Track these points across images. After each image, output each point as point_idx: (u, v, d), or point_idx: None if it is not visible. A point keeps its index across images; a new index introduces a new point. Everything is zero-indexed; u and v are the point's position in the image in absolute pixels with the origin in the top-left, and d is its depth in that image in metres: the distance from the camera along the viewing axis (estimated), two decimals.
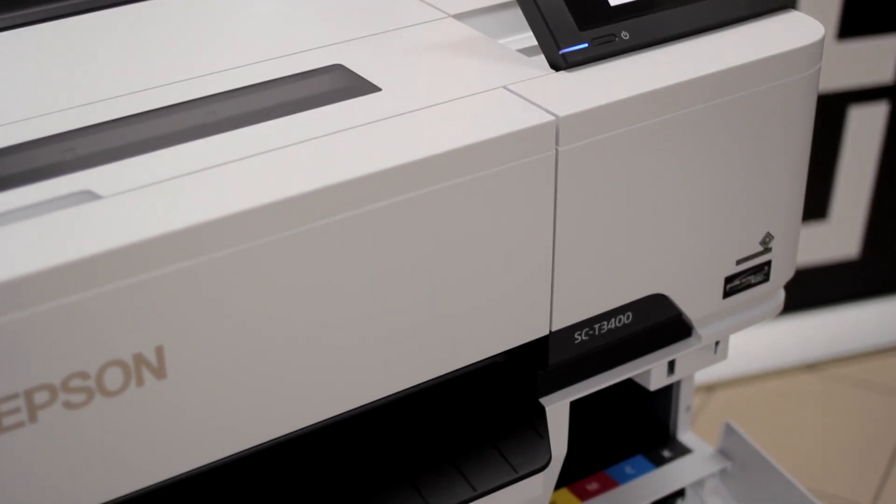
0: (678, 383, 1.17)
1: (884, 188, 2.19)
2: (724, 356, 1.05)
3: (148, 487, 0.76)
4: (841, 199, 2.19)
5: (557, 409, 0.94)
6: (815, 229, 2.20)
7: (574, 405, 0.96)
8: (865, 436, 2.07)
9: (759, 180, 0.95)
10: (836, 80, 2.07)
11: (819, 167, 2.16)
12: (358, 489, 0.86)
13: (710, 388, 2.16)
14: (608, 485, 1.15)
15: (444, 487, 0.87)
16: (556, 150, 0.83)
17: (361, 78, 0.87)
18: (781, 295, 1.05)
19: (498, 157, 0.81)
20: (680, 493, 1.17)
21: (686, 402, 1.18)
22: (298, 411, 0.81)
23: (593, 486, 1.15)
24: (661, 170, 0.89)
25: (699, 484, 1.18)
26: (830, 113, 2.11)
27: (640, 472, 1.16)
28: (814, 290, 2.27)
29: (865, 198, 2.20)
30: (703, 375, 2.17)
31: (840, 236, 2.23)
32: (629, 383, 1.03)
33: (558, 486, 1.14)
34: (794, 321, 2.26)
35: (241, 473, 0.82)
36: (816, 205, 2.19)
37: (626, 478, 1.15)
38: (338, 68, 0.89)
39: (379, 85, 0.86)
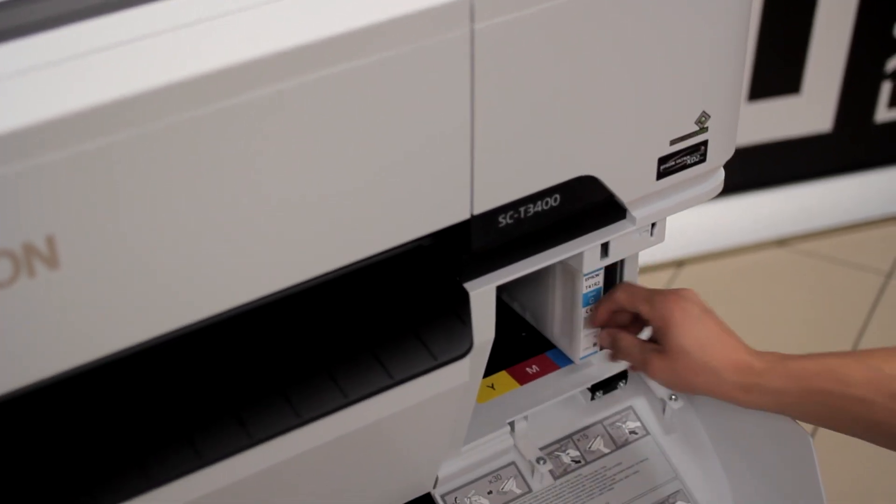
0: (621, 266, 1.14)
1: (858, 60, 2.15)
2: (662, 238, 1.02)
3: (44, 381, 0.75)
4: (814, 72, 2.15)
5: (482, 295, 0.92)
6: (788, 103, 2.17)
7: None
8: (835, 311, 2.06)
9: (694, 57, 0.92)
10: None
11: (791, 39, 2.12)
12: (272, 379, 0.84)
13: (679, 264, 2.14)
14: (548, 367, 1.13)
15: (361, 375, 0.86)
16: (472, 27, 0.80)
17: None
18: (720, 175, 1.02)
19: (409, 36, 0.78)
20: (622, 375, 1.15)
21: None
22: (206, 298, 0.79)
23: (533, 369, 1.13)
24: (586, 47, 0.85)
25: None
26: None
27: None
28: (787, 164, 2.24)
29: (839, 70, 2.16)
30: (673, 251, 2.16)
31: (813, 110, 2.20)
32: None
33: (497, 368, 1.13)
34: (765, 196, 2.24)
35: (146, 365, 0.80)
36: (789, 78, 2.15)
37: (567, 361, 1.14)
38: None
39: None
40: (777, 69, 2.13)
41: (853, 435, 0.95)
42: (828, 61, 2.14)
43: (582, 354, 1.11)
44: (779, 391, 0.95)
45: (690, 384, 0.99)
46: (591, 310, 1.07)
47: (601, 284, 1.06)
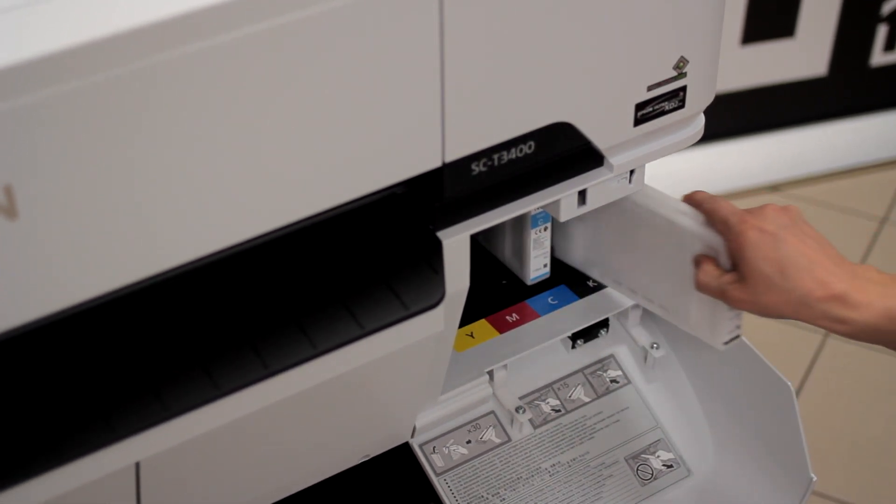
0: None
1: (853, 3, 2.13)
2: (640, 185, 1.01)
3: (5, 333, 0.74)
4: (808, 15, 2.13)
5: (456, 244, 0.90)
6: (782, 46, 2.14)
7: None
8: None
9: (671, 0, 0.90)
10: None
11: None
12: (240, 330, 0.83)
13: None
14: (529, 316, 1.12)
15: (331, 326, 0.85)
16: None
17: None
18: (700, 121, 1.00)
19: None
20: (604, 323, 1.14)
21: None
22: (172, 248, 0.78)
23: (513, 317, 1.12)
24: None
25: (623, 314, 1.15)
26: None
27: (563, 302, 1.13)
28: (781, 108, 2.22)
29: (834, 13, 2.13)
30: None
31: (807, 54, 2.17)
32: None
33: (477, 316, 1.11)
34: (759, 141, 2.22)
35: (111, 315, 0.79)
36: (783, 21, 2.13)
37: (548, 308, 1.13)
38: None
39: None
40: (771, 12, 2.10)
41: None
42: (823, 4, 2.11)
43: (532, 276, 1.12)
44: (875, 329, 0.90)
45: (776, 312, 0.93)
46: (541, 231, 1.07)
47: None
